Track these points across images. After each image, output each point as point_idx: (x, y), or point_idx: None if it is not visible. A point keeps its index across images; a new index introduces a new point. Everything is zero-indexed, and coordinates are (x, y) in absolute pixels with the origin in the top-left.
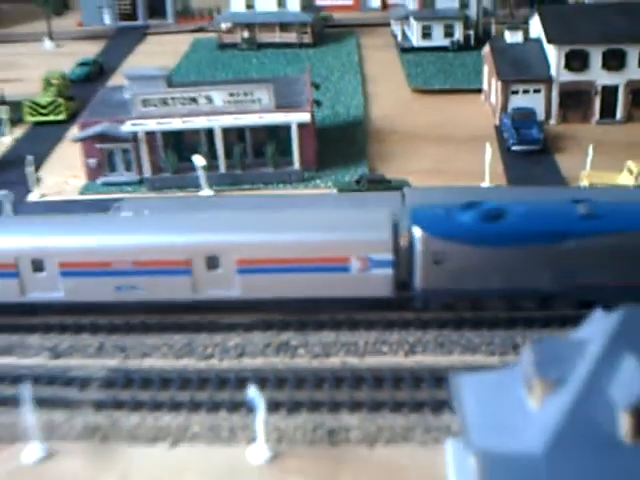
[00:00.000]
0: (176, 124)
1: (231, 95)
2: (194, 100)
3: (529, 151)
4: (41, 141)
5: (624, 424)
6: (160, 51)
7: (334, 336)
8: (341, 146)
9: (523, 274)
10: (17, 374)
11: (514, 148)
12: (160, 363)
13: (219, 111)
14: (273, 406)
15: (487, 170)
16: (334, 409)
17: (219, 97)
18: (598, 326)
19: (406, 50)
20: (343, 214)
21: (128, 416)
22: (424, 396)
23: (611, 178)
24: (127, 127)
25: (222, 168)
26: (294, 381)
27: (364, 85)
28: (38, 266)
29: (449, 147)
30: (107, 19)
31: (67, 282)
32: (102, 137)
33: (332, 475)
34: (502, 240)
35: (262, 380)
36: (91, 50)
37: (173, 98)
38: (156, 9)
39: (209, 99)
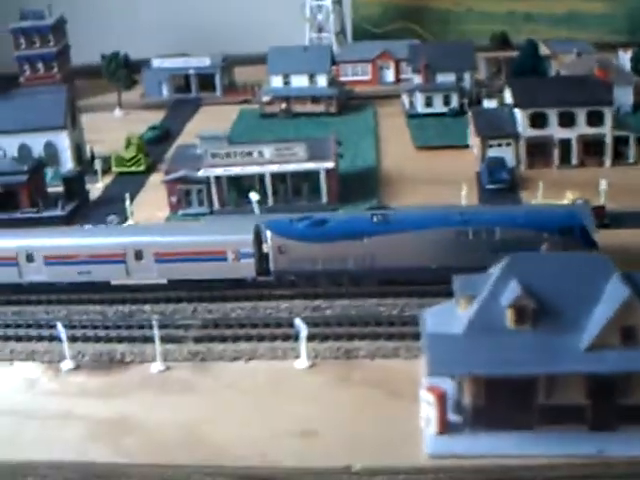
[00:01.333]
0: (237, 171)
1: (277, 150)
2: (250, 154)
3: (499, 189)
4: (125, 186)
5: (508, 316)
6: (213, 119)
7: (348, 302)
8: (358, 187)
9: (339, 261)
10: (142, 324)
11: (488, 186)
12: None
13: (268, 161)
14: (311, 337)
15: (463, 202)
16: (349, 339)
17: (268, 151)
18: (498, 265)
19: (412, 116)
20: (226, 223)
21: (217, 345)
22: (407, 330)
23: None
24: (201, 173)
25: (270, 202)
26: (323, 324)
27: (377, 144)
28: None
29: (440, 187)
30: (165, 92)
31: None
32: (182, 180)
33: (346, 376)
34: (323, 238)
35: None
36: (154, 117)
37: (235, 152)
38: (206, 84)
39: (261, 153)
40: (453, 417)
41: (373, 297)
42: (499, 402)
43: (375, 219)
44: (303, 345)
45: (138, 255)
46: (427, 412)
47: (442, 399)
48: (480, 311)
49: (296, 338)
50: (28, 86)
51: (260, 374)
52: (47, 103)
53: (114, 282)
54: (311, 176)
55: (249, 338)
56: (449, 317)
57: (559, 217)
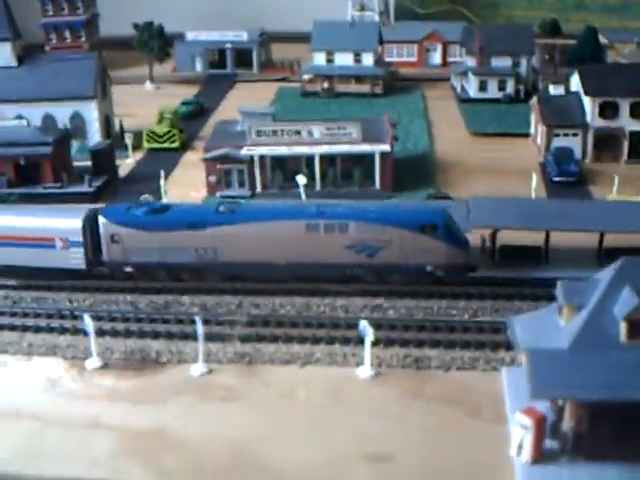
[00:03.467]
0: (283, 151)
1: (327, 129)
2: (298, 132)
3: (568, 182)
4: (158, 164)
5: (622, 329)
6: (249, 96)
7: (415, 303)
8: (412, 174)
9: (177, 252)
10: (179, 318)
11: (555, 179)
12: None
13: (317, 141)
14: (374, 342)
15: (533, 194)
16: (419, 345)
17: (318, 130)
18: (607, 271)
19: (464, 101)
20: (58, 209)
21: (267, 346)
22: (485, 338)
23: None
24: (245, 151)
25: (317, 187)
26: (387, 326)
27: (429, 128)
28: None
29: (501, 177)
30: (198, 67)
31: None
32: (223, 159)
33: (418, 389)
34: (160, 226)
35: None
36: (186, 92)
37: (282, 130)
38: (242, 60)
39: (310, 132)
40: (549, 443)
41: (443, 298)
42: (605, 429)
43: (221, 208)
44: (368, 351)
45: None
46: (520, 437)
47: (541, 424)
48: (588, 323)
49: (358, 342)
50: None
51: (317, 382)
52: (75, 70)
53: None
54: (364, 160)
55: (303, 339)
56: (548, 328)
57: (421, 214)
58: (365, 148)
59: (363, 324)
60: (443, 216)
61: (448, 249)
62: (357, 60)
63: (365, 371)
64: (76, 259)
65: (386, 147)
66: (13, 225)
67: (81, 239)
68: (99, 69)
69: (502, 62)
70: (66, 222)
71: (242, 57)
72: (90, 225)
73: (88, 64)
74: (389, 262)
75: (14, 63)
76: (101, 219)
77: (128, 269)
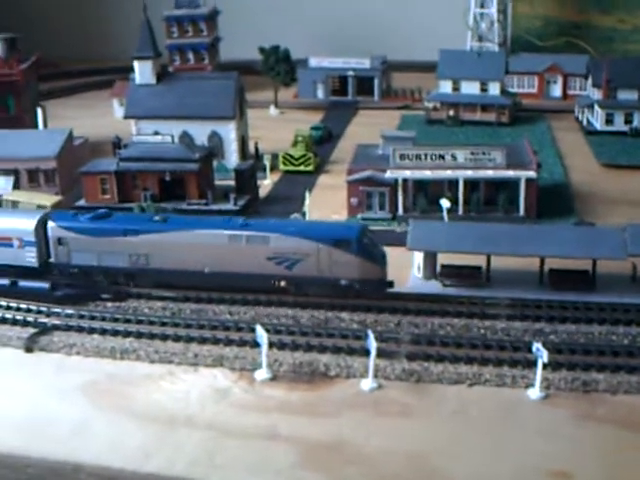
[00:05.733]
0: (427, 174)
1: (472, 154)
2: (442, 156)
3: None
4: (294, 186)
5: None
6: (374, 123)
7: (575, 327)
8: (551, 202)
9: (113, 257)
10: (344, 333)
11: None
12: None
13: (461, 166)
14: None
15: None
16: (586, 369)
17: (462, 155)
18: None
19: (590, 133)
20: (15, 212)
21: (435, 365)
22: None
23: None
24: (389, 174)
25: (460, 211)
26: (553, 350)
27: (560, 158)
28: None
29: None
30: (320, 93)
31: None
32: (367, 181)
33: (589, 411)
34: (98, 232)
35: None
36: (308, 118)
37: (425, 154)
38: (362, 87)
39: (454, 156)
40: None
41: (602, 324)
42: None
43: (157, 218)
44: (540, 372)
45: None
46: None
47: None
48: None
49: (528, 364)
50: None
51: (489, 401)
52: (215, 89)
53: None
54: (508, 185)
55: (469, 360)
56: None
57: (335, 229)
58: (511, 173)
59: (537, 346)
60: (357, 232)
61: (361, 264)
62: (483, 89)
63: (535, 393)
64: (30, 257)
65: (532, 173)
66: None
67: (34, 239)
68: (238, 89)
69: (628, 95)
70: (22, 223)
71: (363, 84)
72: (43, 227)
73: (228, 84)
74: (306, 274)
75: (153, 81)
76: (50, 223)
77: (73, 270)
